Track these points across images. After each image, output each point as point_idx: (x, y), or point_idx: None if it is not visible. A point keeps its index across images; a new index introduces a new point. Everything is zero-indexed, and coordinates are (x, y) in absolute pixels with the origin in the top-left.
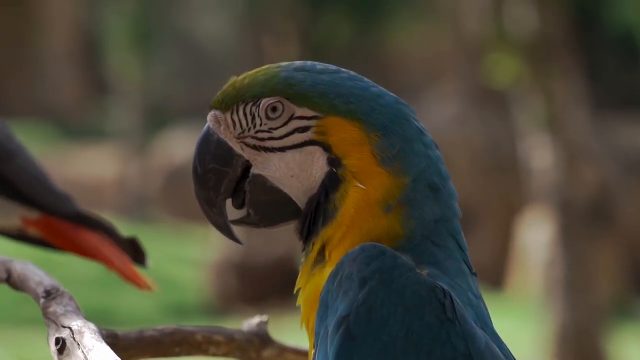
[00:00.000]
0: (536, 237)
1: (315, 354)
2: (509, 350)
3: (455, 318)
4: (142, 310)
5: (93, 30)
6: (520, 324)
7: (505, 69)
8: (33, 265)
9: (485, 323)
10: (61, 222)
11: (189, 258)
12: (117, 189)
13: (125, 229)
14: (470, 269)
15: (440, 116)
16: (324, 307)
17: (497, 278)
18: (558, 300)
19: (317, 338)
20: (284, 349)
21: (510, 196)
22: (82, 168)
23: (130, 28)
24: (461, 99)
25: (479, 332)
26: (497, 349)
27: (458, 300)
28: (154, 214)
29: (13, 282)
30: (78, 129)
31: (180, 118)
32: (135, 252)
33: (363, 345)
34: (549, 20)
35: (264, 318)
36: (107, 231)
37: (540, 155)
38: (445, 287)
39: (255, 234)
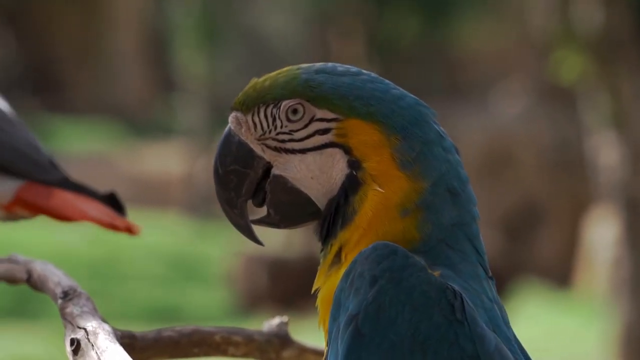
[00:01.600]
0: (603, 235)
1: (327, 352)
2: (526, 356)
3: (464, 319)
4: (207, 307)
5: (160, 28)
6: (587, 323)
7: (571, 66)
8: (52, 265)
9: (498, 326)
10: (42, 190)
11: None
12: (183, 186)
13: (191, 226)
14: (486, 272)
15: (507, 113)
16: (337, 305)
17: (563, 276)
18: (624, 299)
19: (330, 336)
20: (303, 350)
21: (576, 193)
22: (149, 165)
23: (197, 25)
24: (528, 96)
25: (489, 334)
26: (508, 352)
27: (469, 301)
28: (220, 210)
29: (33, 282)
30: (145, 126)
31: None
32: (114, 206)
33: (371, 343)
34: (615, 17)
35: (284, 318)
36: (90, 193)
37: (607, 153)
38: (457, 288)
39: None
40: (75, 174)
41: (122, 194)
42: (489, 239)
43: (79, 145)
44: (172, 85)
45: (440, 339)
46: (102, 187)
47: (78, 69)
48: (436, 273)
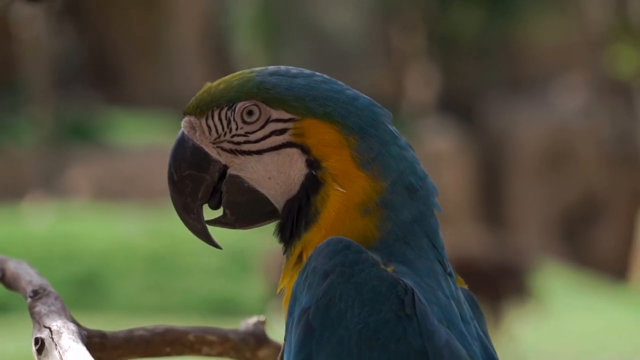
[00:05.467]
0: None
1: (283, 347)
2: (489, 352)
3: (414, 314)
4: (264, 299)
5: (221, 20)
6: None
7: (627, 60)
8: (27, 264)
9: (453, 323)
10: None
11: None
12: None
13: None
14: (445, 268)
15: (566, 107)
16: (293, 300)
17: (621, 270)
18: None
19: (286, 331)
20: (280, 349)
21: (636, 187)
22: None
23: (258, 18)
24: (588, 89)
25: (440, 330)
26: (460, 348)
27: (421, 297)
28: None
29: (6, 281)
30: None
31: None
32: None
33: (321, 337)
34: None
35: (261, 317)
36: None
37: None
38: (409, 284)
39: None
40: (135, 166)
41: None
42: (547, 231)
43: (139, 138)
44: None
45: (389, 334)
46: (162, 180)
47: (138, 61)
48: (390, 269)
